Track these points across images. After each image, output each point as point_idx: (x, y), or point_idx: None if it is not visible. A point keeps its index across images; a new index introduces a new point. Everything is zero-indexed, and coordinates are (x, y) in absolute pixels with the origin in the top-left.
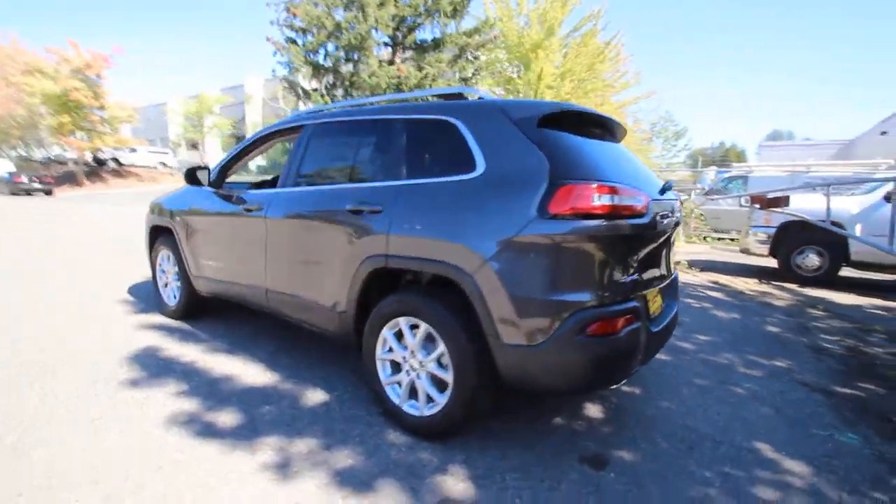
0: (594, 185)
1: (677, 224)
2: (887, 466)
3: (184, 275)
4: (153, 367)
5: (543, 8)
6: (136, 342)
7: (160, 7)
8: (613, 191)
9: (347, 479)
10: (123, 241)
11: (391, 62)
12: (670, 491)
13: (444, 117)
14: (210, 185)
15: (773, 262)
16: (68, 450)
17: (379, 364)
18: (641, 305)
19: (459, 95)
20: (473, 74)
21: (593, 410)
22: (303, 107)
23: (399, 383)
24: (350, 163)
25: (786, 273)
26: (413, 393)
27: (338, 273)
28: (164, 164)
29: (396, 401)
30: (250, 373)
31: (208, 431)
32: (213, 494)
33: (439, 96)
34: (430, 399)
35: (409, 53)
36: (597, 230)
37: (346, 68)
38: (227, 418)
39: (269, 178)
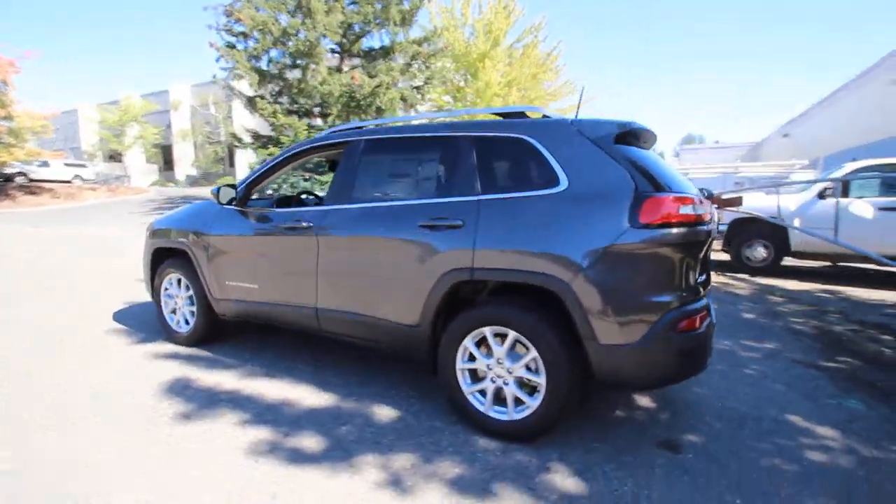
0: (678, 197)
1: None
2: (893, 426)
3: (202, 299)
4: (197, 398)
5: (488, 18)
6: (160, 374)
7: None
8: (692, 201)
9: (464, 488)
10: (66, 265)
11: (339, 69)
12: (745, 464)
13: (518, 135)
14: (237, 203)
15: (725, 256)
16: (165, 497)
17: (459, 374)
18: (709, 302)
19: (522, 114)
20: (426, 83)
21: (644, 402)
22: (242, 115)
23: (482, 391)
24: (415, 179)
25: (737, 264)
26: (497, 399)
27: (409, 288)
28: (80, 178)
29: (481, 408)
30: (305, 395)
31: (298, 457)
32: None
33: (500, 115)
34: (518, 403)
35: (356, 61)
36: (681, 237)
37: (293, 75)
38: (310, 442)
39: (287, 195)
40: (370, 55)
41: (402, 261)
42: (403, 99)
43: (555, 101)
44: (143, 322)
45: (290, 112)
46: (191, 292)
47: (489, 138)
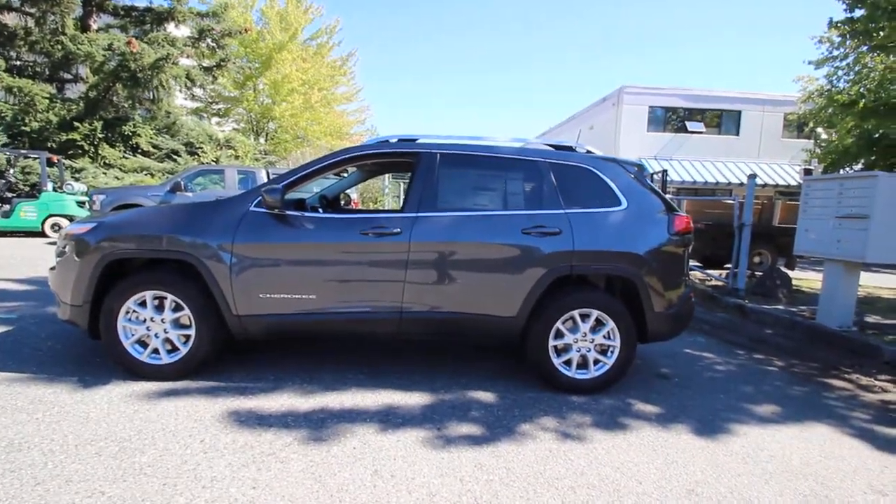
0: (686, 216)
1: None
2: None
3: (208, 318)
4: (299, 425)
5: (284, 8)
6: (202, 416)
7: None
8: (690, 218)
9: (596, 425)
10: None
11: (86, 27)
12: (696, 376)
13: (585, 166)
14: (279, 208)
15: None
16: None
17: (551, 351)
18: None
19: (570, 148)
20: (219, 65)
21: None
22: None
23: (568, 361)
24: (502, 192)
25: None
26: (579, 364)
27: (511, 284)
28: None
29: (568, 373)
30: (396, 398)
31: (472, 440)
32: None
33: (553, 146)
34: (596, 363)
35: (108, 19)
36: (690, 240)
37: (15, 21)
38: (465, 429)
39: (305, 196)
40: (133, 16)
41: (504, 262)
42: (190, 79)
43: (349, 103)
44: (32, 363)
45: (6, 70)
46: (182, 312)
47: (563, 165)
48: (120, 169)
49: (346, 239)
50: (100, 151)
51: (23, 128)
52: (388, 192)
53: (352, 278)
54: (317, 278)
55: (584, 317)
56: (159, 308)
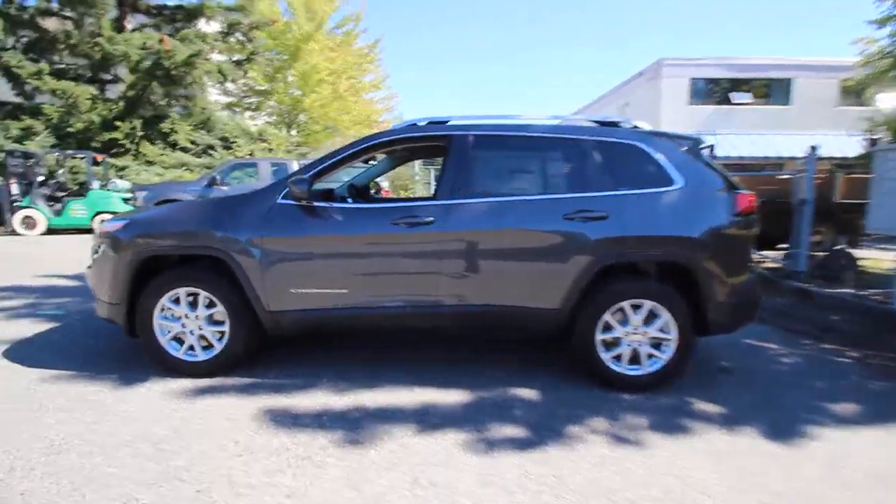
0: (751, 193)
1: None
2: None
3: (241, 315)
4: (337, 424)
5: None
6: (239, 415)
7: None
8: (755, 196)
9: (654, 427)
10: None
11: (121, 27)
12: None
13: (632, 142)
14: (306, 199)
15: None
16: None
17: (598, 345)
18: None
19: (614, 124)
20: (249, 58)
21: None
22: None
23: (619, 356)
24: (541, 175)
25: None
26: (630, 359)
27: (553, 274)
28: None
29: (618, 369)
30: (434, 396)
31: (516, 444)
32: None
33: (597, 122)
34: (650, 358)
35: (141, 18)
36: (754, 221)
37: (53, 25)
38: (508, 431)
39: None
40: (164, 15)
41: (545, 250)
42: (221, 73)
43: (376, 91)
44: (76, 360)
45: (53, 74)
46: (216, 309)
47: (608, 142)
48: (160, 165)
49: (376, 230)
50: (141, 149)
51: (68, 129)
52: (418, 178)
53: (384, 271)
54: (347, 272)
55: (636, 308)
56: (193, 305)
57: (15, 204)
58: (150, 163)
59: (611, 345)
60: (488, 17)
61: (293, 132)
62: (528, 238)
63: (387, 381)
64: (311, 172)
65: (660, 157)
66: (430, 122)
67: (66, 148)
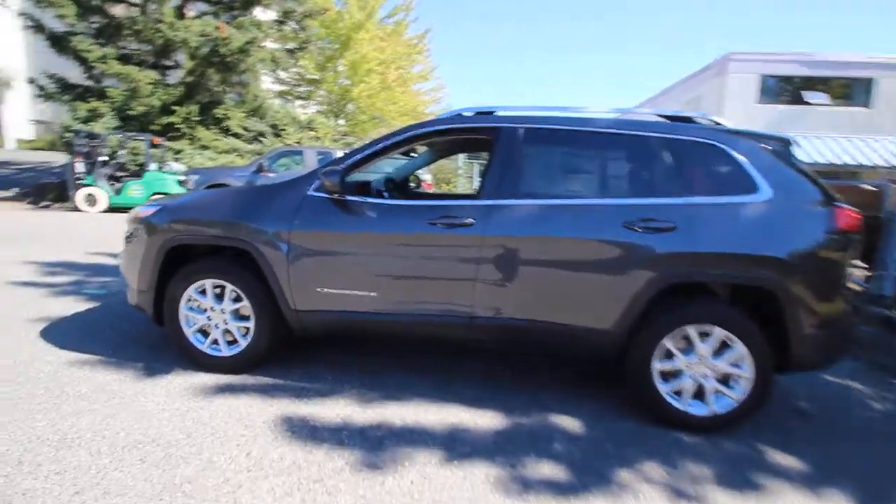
0: (853, 209)
1: None
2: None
3: (267, 312)
4: (356, 441)
5: None
6: (256, 420)
7: None
8: (857, 213)
9: (722, 481)
10: None
11: (182, 14)
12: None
13: (711, 141)
14: (338, 191)
15: None
16: None
17: (655, 375)
18: None
19: (689, 119)
20: (301, 46)
21: None
22: (11, 51)
23: (679, 390)
24: (600, 175)
25: None
26: (693, 395)
27: (606, 291)
28: None
29: (678, 405)
30: (464, 417)
31: (554, 487)
32: None
33: (666, 117)
34: (716, 395)
35: (201, 6)
36: (855, 241)
37: (120, 11)
38: (544, 470)
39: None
40: (223, 3)
41: (600, 262)
42: (274, 61)
43: (424, 82)
44: (108, 344)
45: (118, 59)
46: (242, 303)
47: (681, 140)
48: (214, 150)
49: (410, 229)
50: (196, 133)
51: (130, 112)
52: (461, 171)
53: (416, 275)
54: (377, 273)
55: (704, 336)
56: (220, 298)
57: (79, 181)
58: (204, 147)
59: (670, 376)
60: (544, 10)
61: (341, 121)
62: (580, 248)
63: (414, 394)
64: (345, 164)
65: (743, 159)
66: (477, 113)
67: (127, 130)
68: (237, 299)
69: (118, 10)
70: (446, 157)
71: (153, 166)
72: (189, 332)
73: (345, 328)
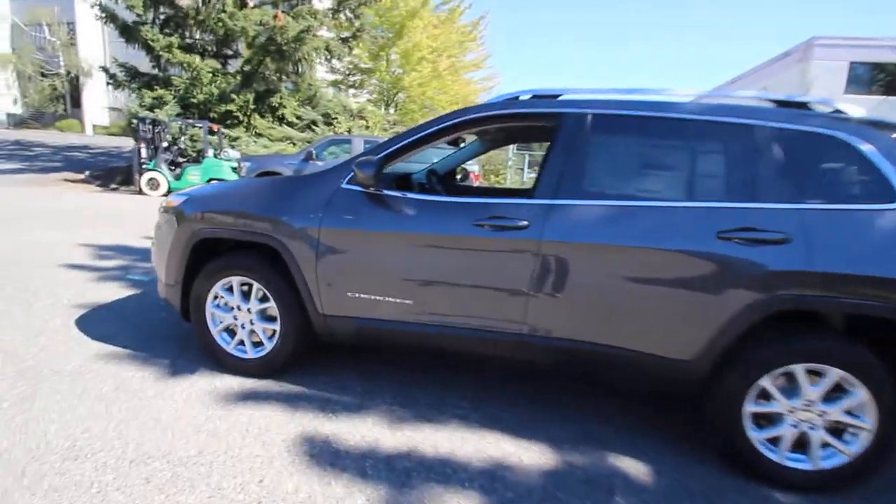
0: None
1: None
2: None
3: (294, 314)
4: (382, 475)
5: None
6: (273, 434)
7: None
8: None
9: None
10: None
11: (243, 4)
12: None
13: (834, 133)
14: (374, 184)
15: None
16: None
17: (746, 419)
18: None
19: (803, 105)
20: (355, 35)
21: None
22: (91, 42)
23: (776, 439)
24: (685, 173)
25: None
26: (793, 446)
27: (689, 313)
28: None
29: (773, 456)
30: (508, 449)
31: None
32: None
33: (774, 102)
34: (825, 447)
35: None
36: None
37: (188, 2)
38: None
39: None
40: None
41: (682, 280)
42: (329, 50)
43: (476, 70)
44: (140, 336)
45: (183, 48)
46: (269, 304)
47: (795, 132)
48: (268, 138)
49: (453, 230)
50: (252, 121)
51: (191, 99)
52: (511, 163)
53: (458, 282)
54: (414, 279)
55: (814, 375)
56: (246, 296)
57: (143, 166)
58: (259, 135)
59: (766, 421)
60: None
61: (391, 111)
62: (659, 260)
63: (450, 416)
64: (381, 154)
65: (876, 157)
66: (535, 96)
67: (188, 117)
68: (264, 299)
69: (184, 1)
70: (497, 147)
71: (210, 153)
72: (215, 331)
73: (376, 338)
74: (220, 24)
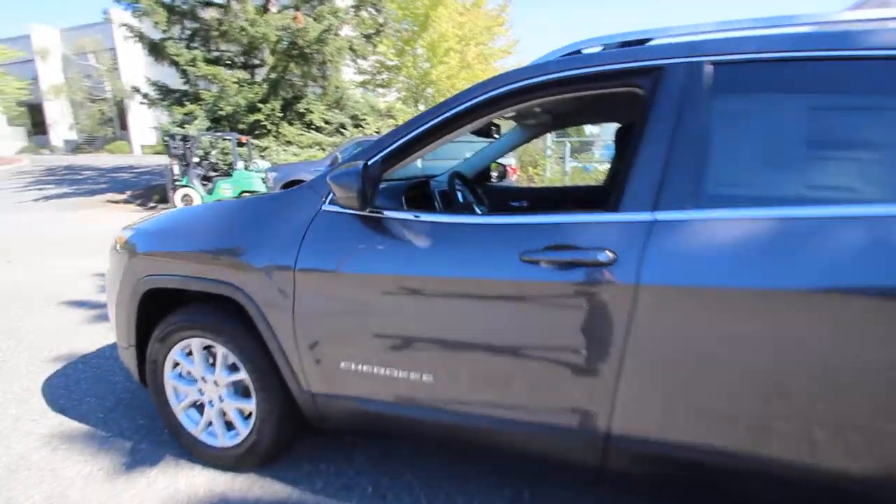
0: None
1: None
2: None
3: (275, 389)
4: None
5: None
6: None
7: None
8: None
9: None
10: None
11: (266, 8)
12: None
13: None
14: (362, 205)
15: None
16: None
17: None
18: None
19: None
20: (377, 31)
21: None
22: (131, 65)
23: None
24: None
25: None
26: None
27: None
28: None
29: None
30: None
31: None
32: None
33: None
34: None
35: (285, 1)
36: None
37: (208, 13)
38: None
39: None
40: None
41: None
42: (353, 49)
43: (505, 57)
44: (105, 404)
45: (209, 61)
46: (240, 374)
47: None
48: (298, 146)
49: (488, 271)
50: (280, 130)
51: (220, 112)
52: (550, 153)
53: (499, 352)
54: (431, 345)
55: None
56: (212, 364)
57: (176, 183)
58: (288, 143)
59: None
60: None
61: (420, 107)
62: (858, 314)
63: None
64: (375, 157)
65: None
66: (607, 46)
67: (218, 130)
68: (234, 368)
69: (208, 14)
70: (544, 133)
71: (240, 165)
72: (178, 409)
73: (383, 426)
74: (243, 32)
